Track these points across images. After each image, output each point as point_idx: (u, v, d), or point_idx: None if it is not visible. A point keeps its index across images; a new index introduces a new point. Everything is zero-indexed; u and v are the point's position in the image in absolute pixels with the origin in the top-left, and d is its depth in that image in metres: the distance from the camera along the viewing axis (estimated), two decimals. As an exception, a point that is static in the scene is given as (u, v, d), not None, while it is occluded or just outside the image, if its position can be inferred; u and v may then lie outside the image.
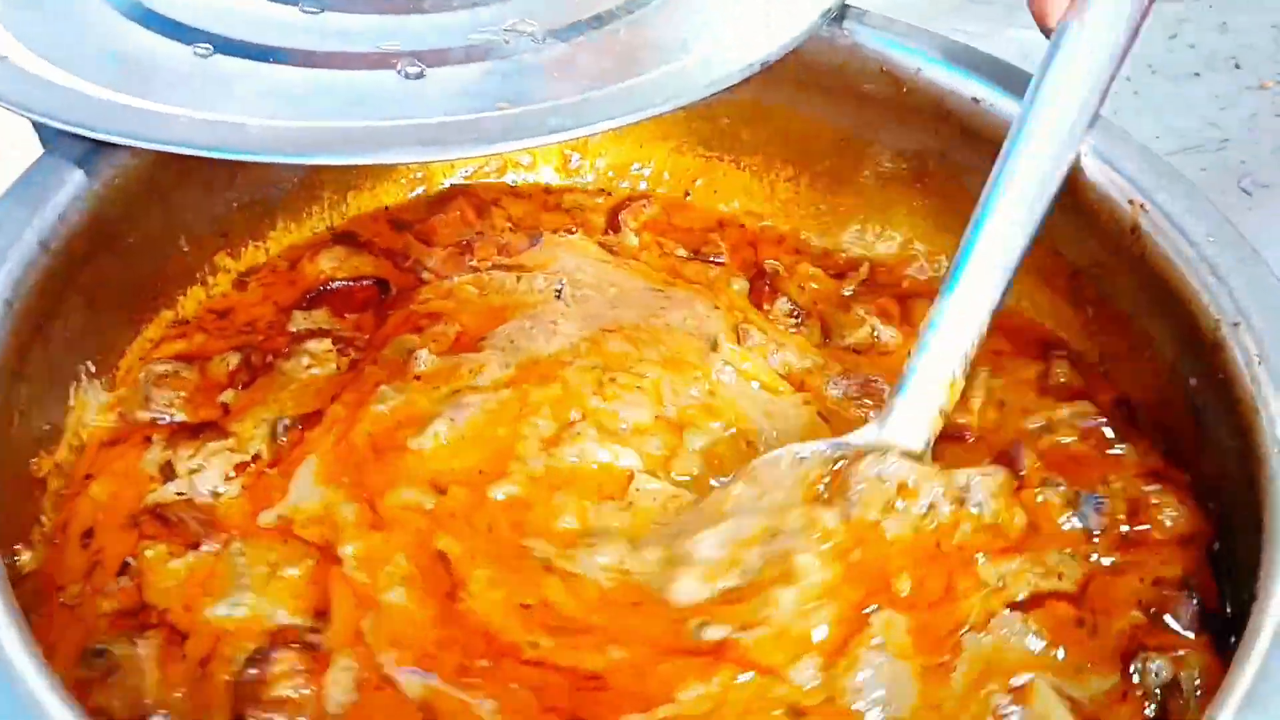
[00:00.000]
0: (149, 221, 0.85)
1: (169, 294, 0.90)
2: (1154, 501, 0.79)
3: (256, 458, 0.80)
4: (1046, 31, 0.82)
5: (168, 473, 0.79)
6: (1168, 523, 0.78)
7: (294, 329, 0.90)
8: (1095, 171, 0.86)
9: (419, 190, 1.04)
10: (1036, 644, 0.71)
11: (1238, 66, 1.53)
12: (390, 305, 0.94)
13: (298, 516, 0.77)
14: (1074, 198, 0.88)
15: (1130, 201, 0.83)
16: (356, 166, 0.97)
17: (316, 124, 0.77)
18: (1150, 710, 0.69)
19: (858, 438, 0.79)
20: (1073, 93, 0.82)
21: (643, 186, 1.09)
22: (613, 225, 1.05)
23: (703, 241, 1.05)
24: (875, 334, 0.96)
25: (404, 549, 0.75)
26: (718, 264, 1.02)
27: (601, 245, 1.02)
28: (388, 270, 0.96)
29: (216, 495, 0.78)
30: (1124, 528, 0.78)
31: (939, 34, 0.95)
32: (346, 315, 0.92)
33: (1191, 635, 0.72)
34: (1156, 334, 0.85)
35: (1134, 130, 1.36)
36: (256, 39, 0.85)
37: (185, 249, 0.90)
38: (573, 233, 1.02)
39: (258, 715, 0.66)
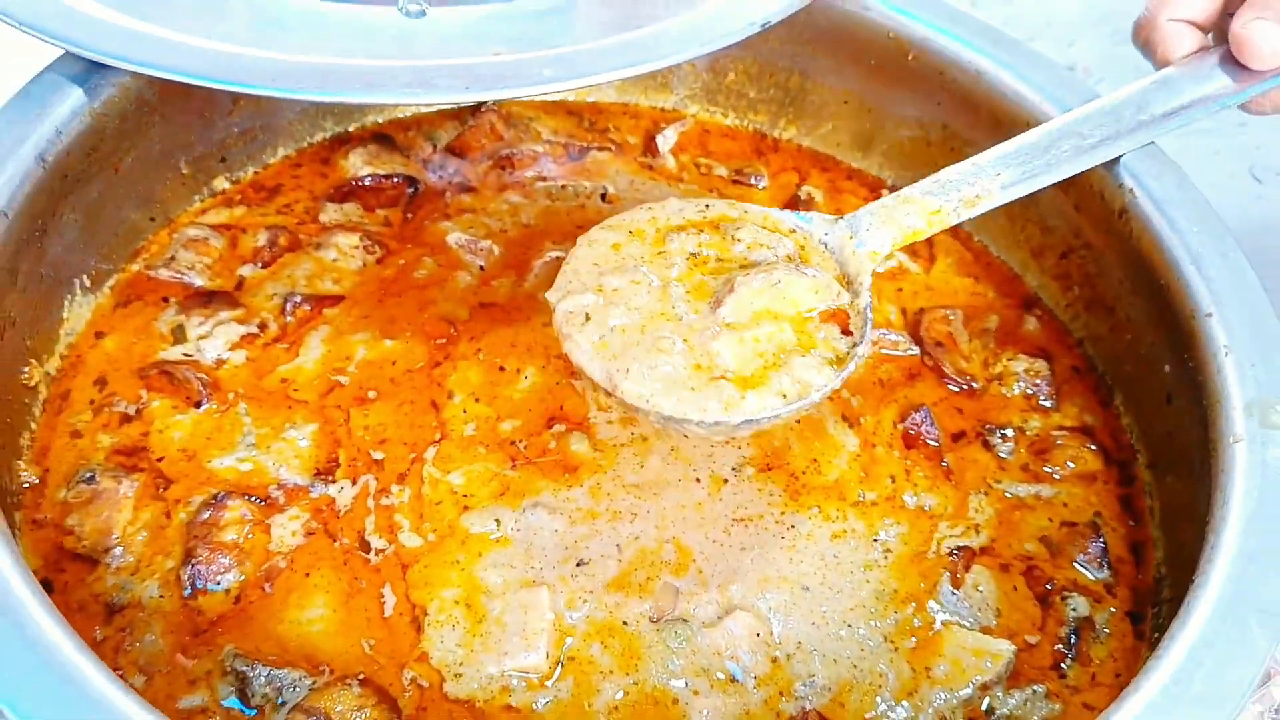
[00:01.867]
0: (147, 142, 0.86)
1: (167, 213, 0.91)
2: (1060, 444, 0.85)
3: (263, 326, 0.85)
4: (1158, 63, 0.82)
5: (178, 335, 0.84)
6: (1070, 464, 0.84)
7: (325, 219, 0.94)
8: (1090, 151, 0.86)
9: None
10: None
11: (1265, 50, 1.50)
12: (419, 203, 0.97)
13: (298, 378, 0.83)
14: (1069, 177, 0.88)
15: (1120, 185, 0.83)
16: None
17: (309, 59, 0.77)
18: (1064, 632, 0.76)
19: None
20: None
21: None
22: (650, 149, 1.05)
23: (745, 163, 1.06)
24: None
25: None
26: (758, 187, 1.03)
27: (640, 164, 1.04)
28: (418, 170, 1.00)
29: (220, 362, 0.83)
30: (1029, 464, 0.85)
31: (946, 3, 0.94)
32: (376, 210, 0.96)
33: (1094, 574, 0.78)
34: (1137, 317, 0.85)
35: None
36: (262, -33, 0.86)
37: (184, 170, 0.92)
38: (609, 150, 1.04)
39: (204, 555, 0.72)
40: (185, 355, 0.83)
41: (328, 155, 1.00)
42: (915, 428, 0.85)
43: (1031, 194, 0.91)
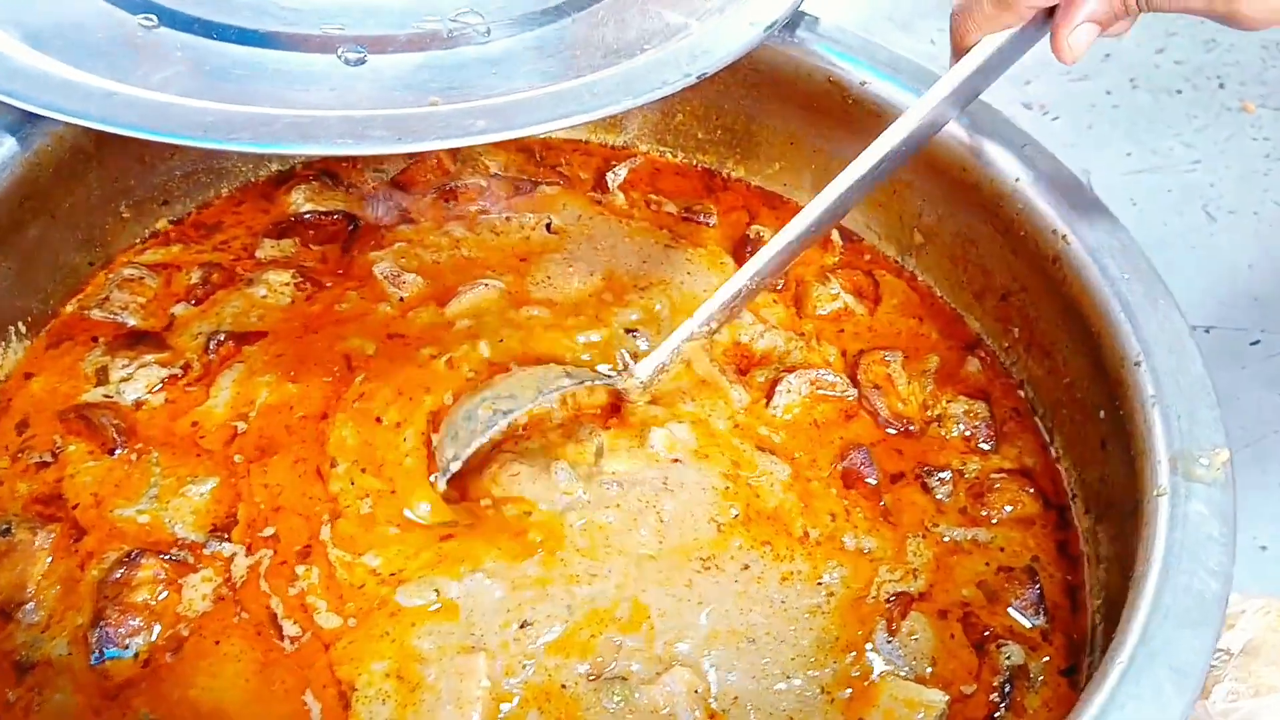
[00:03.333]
0: (85, 188, 0.86)
1: (108, 253, 0.91)
2: (998, 487, 0.85)
3: (187, 367, 0.85)
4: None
5: (101, 377, 0.84)
6: (1008, 508, 0.84)
7: (261, 255, 0.94)
8: (1023, 198, 0.86)
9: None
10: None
11: (1221, 85, 1.51)
12: (358, 239, 0.97)
13: (207, 422, 0.82)
14: (1004, 222, 0.89)
15: (1054, 231, 0.84)
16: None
17: (244, 109, 0.77)
18: (999, 682, 0.76)
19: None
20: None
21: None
22: (600, 185, 1.06)
23: (695, 200, 1.06)
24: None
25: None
26: (707, 225, 1.03)
27: (589, 199, 1.04)
28: (358, 206, 0.99)
29: (140, 404, 0.83)
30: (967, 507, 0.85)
31: (885, 47, 0.95)
32: (314, 245, 0.96)
33: (1030, 620, 0.79)
34: (1074, 362, 0.86)
35: (1106, 143, 1.36)
36: (203, 14, 0.86)
37: (125, 214, 0.92)
38: (558, 184, 1.04)
39: (114, 616, 0.71)
40: (106, 397, 0.83)
41: (270, 191, 1.00)
42: (855, 467, 0.85)
43: (971, 237, 0.93)
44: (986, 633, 0.77)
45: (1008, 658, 0.76)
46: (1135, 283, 0.79)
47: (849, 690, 0.74)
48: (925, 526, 0.83)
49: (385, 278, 0.93)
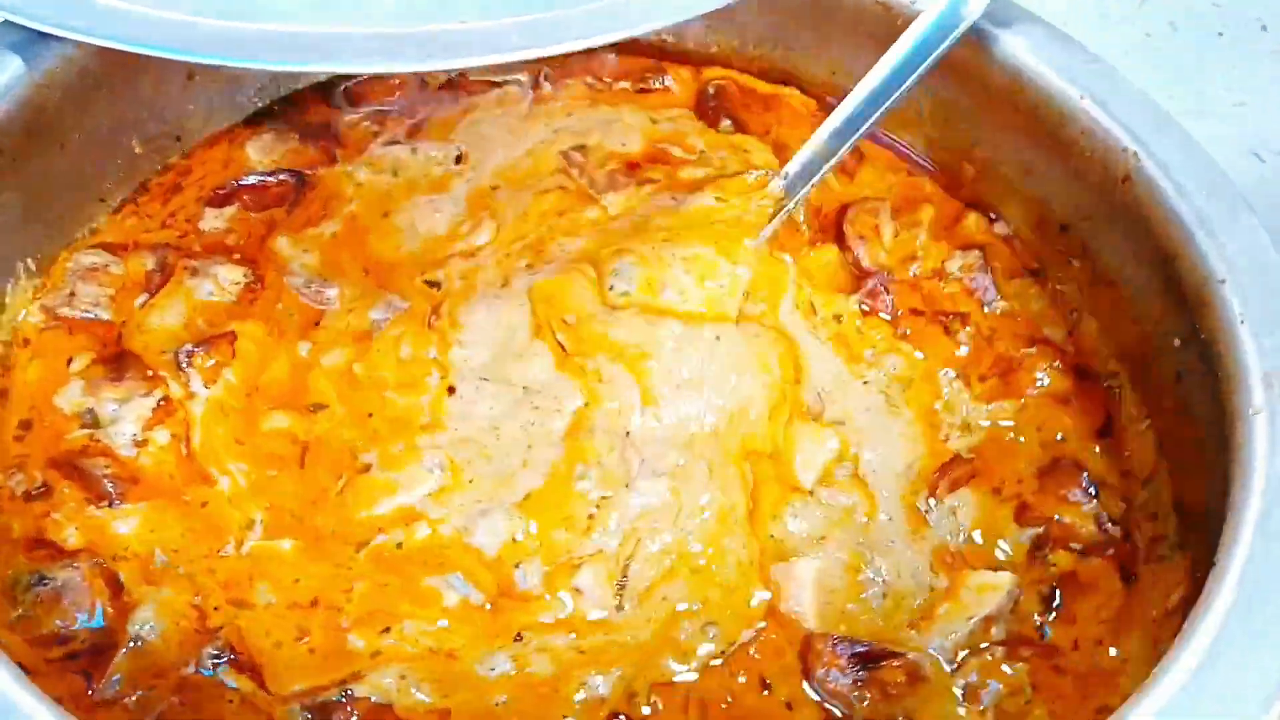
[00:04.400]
0: (95, 118, 0.81)
1: (117, 193, 0.87)
2: (1025, 362, 0.83)
3: (166, 399, 0.76)
4: None
5: (89, 419, 0.75)
6: (1042, 381, 0.81)
7: (204, 227, 0.86)
8: (1090, 116, 0.81)
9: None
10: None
11: (1264, 29, 1.46)
12: (301, 204, 0.88)
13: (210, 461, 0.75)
14: (1066, 143, 0.84)
15: (1124, 149, 0.79)
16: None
17: (272, 27, 0.73)
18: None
19: None
20: None
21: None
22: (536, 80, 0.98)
23: (647, 71, 1.00)
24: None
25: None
26: (672, 90, 0.98)
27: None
28: (308, 158, 0.91)
29: (139, 444, 0.75)
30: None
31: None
32: (258, 212, 0.87)
33: (1083, 503, 0.76)
34: (1142, 291, 0.81)
35: (1147, 86, 1.31)
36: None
37: (137, 150, 0.87)
38: (499, 86, 0.96)
39: None
40: (96, 440, 0.75)
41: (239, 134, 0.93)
42: (870, 298, 0.84)
43: (1027, 166, 0.88)
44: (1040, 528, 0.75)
45: (1052, 564, 0.73)
46: (1213, 199, 0.75)
47: None
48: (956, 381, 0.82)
49: (300, 292, 0.83)
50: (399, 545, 0.71)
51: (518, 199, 0.88)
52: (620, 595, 0.69)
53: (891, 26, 0.87)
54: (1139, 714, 0.54)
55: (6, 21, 0.74)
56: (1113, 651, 0.69)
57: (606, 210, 0.87)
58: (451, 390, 0.78)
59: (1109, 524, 0.75)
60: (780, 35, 0.98)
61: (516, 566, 0.70)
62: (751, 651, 0.68)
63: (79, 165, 0.82)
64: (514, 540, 0.71)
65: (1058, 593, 0.72)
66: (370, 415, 0.77)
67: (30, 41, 0.75)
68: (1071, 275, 0.88)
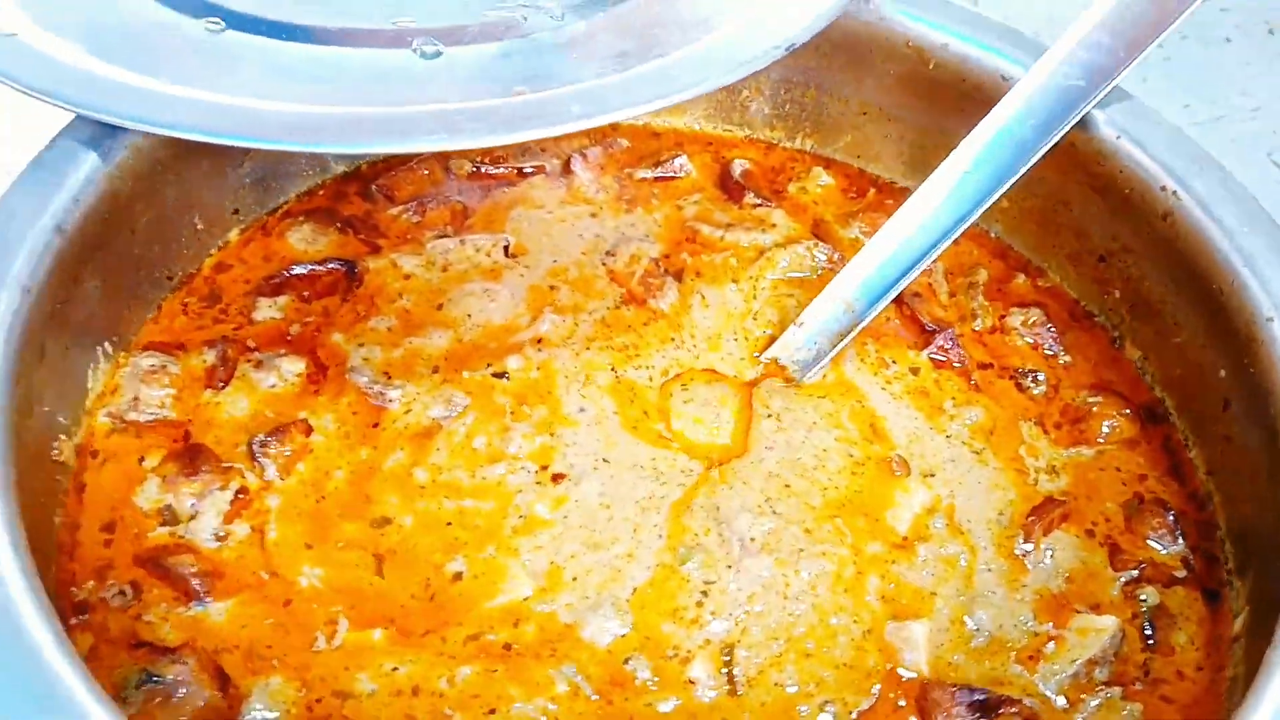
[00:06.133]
0: (162, 200, 0.84)
1: (182, 271, 0.89)
2: (1095, 411, 0.85)
3: (243, 490, 0.78)
4: None
5: (168, 516, 0.76)
6: (1112, 426, 0.84)
7: (258, 317, 0.87)
8: (1127, 155, 0.84)
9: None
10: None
11: (1271, 32, 1.49)
12: (355, 293, 0.89)
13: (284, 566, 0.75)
14: (1104, 180, 0.87)
15: (1163, 188, 0.82)
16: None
17: (333, 109, 0.75)
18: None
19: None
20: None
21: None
22: (566, 167, 1.00)
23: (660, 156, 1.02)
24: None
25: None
26: (689, 174, 1.01)
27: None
28: (353, 248, 0.92)
29: (222, 538, 0.76)
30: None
31: (963, 7, 0.92)
32: (313, 301, 0.88)
33: (1170, 542, 0.78)
34: (1185, 321, 0.83)
35: (1163, 97, 1.33)
36: (268, 14, 0.84)
37: (199, 226, 0.89)
38: (528, 175, 0.99)
39: None
40: (178, 536, 0.76)
41: (273, 228, 0.93)
42: (942, 353, 0.87)
43: (1063, 199, 0.90)
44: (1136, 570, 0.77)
45: (1144, 600, 0.75)
46: (1255, 235, 0.77)
47: None
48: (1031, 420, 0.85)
49: (369, 393, 0.83)
50: (506, 647, 0.72)
51: (577, 300, 0.90)
52: (731, 682, 0.70)
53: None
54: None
55: (79, 118, 0.76)
56: (1211, 675, 0.72)
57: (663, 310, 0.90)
58: (557, 479, 0.79)
59: (1190, 554, 0.77)
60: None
61: (626, 661, 0.71)
62: (872, 714, 0.70)
63: (148, 246, 0.84)
64: (623, 636, 0.72)
65: (1152, 626, 0.74)
66: (449, 524, 0.77)
67: (103, 136, 0.77)
68: (1113, 304, 0.90)
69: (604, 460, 0.80)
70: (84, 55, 0.77)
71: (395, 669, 0.70)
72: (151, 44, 0.80)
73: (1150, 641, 0.73)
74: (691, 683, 0.70)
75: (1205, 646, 0.73)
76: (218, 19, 0.83)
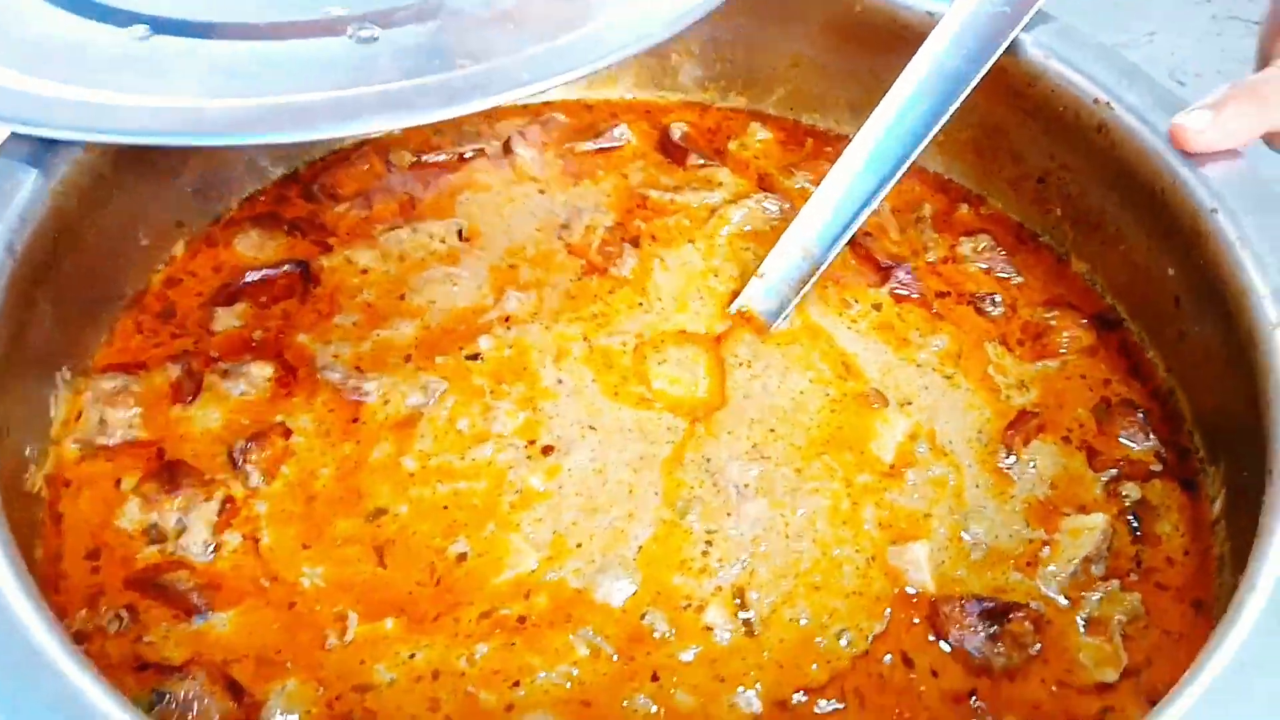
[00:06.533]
0: (106, 216, 0.81)
1: (131, 289, 0.87)
2: (1053, 324, 0.88)
3: (229, 500, 0.76)
4: None
5: (154, 535, 0.74)
6: (1071, 338, 0.87)
7: (219, 327, 0.85)
8: (1056, 74, 0.87)
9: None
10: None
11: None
12: (314, 288, 0.88)
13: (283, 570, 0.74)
14: (1036, 102, 0.89)
15: (1095, 100, 0.84)
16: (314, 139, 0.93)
17: (278, 100, 0.74)
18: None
19: None
20: None
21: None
22: (506, 147, 1.00)
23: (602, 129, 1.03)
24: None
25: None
26: (629, 141, 1.02)
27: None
28: (303, 249, 0.91)
29: (213, 550, 0.74)
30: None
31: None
32: (271, 305, 0.87)
33: (1142, 439, 0.81)
34: (1128, 229, 0.86)
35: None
36: (193, 15, 0.82)
37: (144, 241, 0.87)
38: (469, 160, 0.99)
39: None
40: (168, 554, 0.74)
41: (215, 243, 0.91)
42: (902, 286, 0.89)
43: (999, 126, 0.93)
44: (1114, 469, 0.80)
45: (1126, 495, 0.78)
46: (1188, 135, 0.80)
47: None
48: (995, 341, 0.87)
49: (344, 389, 0.82)
50: (521, 620, 0.71)
51: (539, 275, 0.91)
52: (747, 624, 0.71)
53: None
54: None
55: (14, 135, 0.74)
56: (1199, 557, 0.75)
57: (625, 278, 0.91)
58: (547, 451, 0.79)
59: (1162, 448, 0.80)
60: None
61: (643, 617, 0.72)
62: (886, 636, 0.71)
63: (95, 265, 0.82)
64: (635, 594, 0.72)
65: (1137, 519, 0.77)
66: (445, 508, 0.76)
67: (42, 152, 0.75)
68: (1056, 221, 0.93)
69: (590, 428, 0.80)
70: (13, 74, 0.75)
71: (412, 655, 0.70)
72: (79, 57, 0.78)
73: (1138, 534, 0.76)
74: (709, 629, 0.71)
75: (1189, 531, 0.76)
76: (143, 25, 0.81)
